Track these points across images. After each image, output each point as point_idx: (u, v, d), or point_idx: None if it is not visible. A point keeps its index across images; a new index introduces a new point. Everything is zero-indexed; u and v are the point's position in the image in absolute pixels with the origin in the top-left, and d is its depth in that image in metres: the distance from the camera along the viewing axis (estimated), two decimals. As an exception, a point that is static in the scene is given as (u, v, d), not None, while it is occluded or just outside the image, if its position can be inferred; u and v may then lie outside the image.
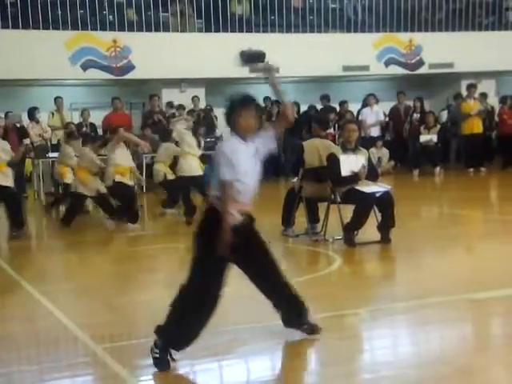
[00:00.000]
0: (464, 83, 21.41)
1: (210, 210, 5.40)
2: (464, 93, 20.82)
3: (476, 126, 19.83)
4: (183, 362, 5.54)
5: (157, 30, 19.92)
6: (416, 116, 20.61)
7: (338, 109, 21.01)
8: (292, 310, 5.83)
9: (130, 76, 19.73)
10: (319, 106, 21.04)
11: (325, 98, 20.93)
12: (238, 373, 5.38)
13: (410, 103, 21.20)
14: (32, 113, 18.09)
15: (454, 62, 21.92)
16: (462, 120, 19.93)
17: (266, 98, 20.93)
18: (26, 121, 18.23)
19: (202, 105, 20.10)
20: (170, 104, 19.83)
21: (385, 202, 9.86)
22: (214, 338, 5.62)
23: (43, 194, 17.62)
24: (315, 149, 10.55)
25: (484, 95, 21.00)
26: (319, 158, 10.43)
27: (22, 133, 17.65)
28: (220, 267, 5.33)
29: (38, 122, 17.94)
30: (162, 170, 14.21)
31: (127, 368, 5.38)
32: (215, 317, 5.28)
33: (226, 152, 5.31)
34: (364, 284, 8.15)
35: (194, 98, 19.94)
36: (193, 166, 13.15)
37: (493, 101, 21.93)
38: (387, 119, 21.15)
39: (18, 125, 17.87)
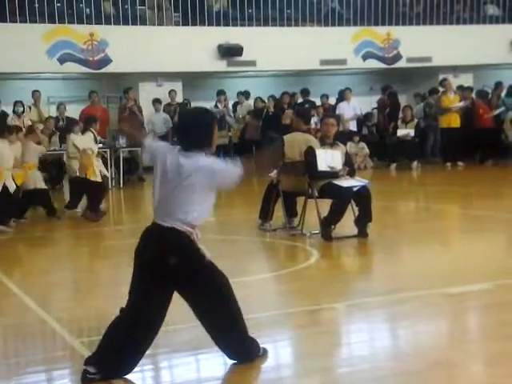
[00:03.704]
0: (442, 77, 21.44)
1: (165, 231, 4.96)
2: (439, 87, 20.84)
3: (454, 120, 19.84)
4: (163, 356, 5.56)
5: (134, 23, 19.79)
6: (387, 110, 20.70)
7: (319, 102, 20.94)
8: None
9: (106, 70, 19.61)
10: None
11: (304, 92, 20.89)
12: (216, 367, 5.38)
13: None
14: (14, 106, 17.88)
15: (432, 56, 21.94)
16: (441, 114, 19.96)
17: (245, 92, 20.89)
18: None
19: (180, 99, 20.05)
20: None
21: (362, 197, 9.88)
22: (194, 331, 5.62)
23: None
24: (296, 143, 10.45)
25: (470, 89, 20.93)
26: (300, 152, 10.33)
27: None
28: (167, 298, 5.05)
29: (19, 116, 17.74)
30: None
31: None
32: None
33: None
34: (341, 278, 8.18)
35: (171, 92, 19.90)
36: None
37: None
38: (375, 111, 21.25)
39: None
